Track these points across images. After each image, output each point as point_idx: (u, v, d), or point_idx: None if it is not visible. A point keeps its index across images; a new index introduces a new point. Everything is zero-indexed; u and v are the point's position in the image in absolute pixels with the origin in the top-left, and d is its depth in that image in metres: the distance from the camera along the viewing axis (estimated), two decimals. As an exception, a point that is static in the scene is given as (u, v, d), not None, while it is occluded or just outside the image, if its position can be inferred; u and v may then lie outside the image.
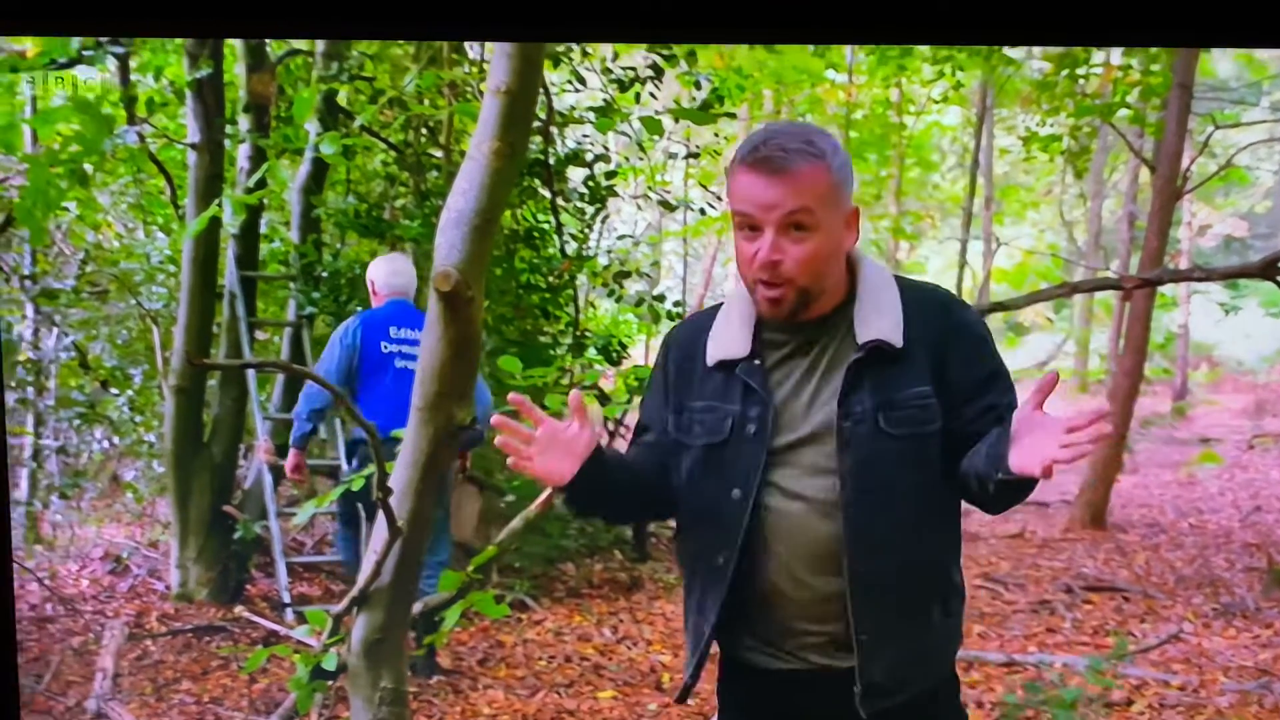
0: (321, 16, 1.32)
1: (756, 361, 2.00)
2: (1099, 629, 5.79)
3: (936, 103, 14.47)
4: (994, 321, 21.84)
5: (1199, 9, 1.32)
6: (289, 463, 5.21)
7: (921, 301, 1.99)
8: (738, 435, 1.98)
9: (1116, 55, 10.67)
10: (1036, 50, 12.92)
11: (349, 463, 5.05)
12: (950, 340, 1.97)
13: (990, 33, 1.38)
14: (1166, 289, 15.61)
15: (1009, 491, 1.83)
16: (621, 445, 4.73)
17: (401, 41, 6.75)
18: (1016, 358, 24.27)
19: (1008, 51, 11.13)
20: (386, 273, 5.15)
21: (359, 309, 5.60)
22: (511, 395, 1.94)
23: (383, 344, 4.96)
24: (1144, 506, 9.35)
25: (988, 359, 2.00)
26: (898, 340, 1.93)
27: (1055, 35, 1.57)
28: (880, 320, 1.94)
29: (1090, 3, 1.35)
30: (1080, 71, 10.30)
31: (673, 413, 2.09)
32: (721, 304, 2.13)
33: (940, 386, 1.94)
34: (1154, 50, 9.56)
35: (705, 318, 2.13)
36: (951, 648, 2.10)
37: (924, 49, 11.81)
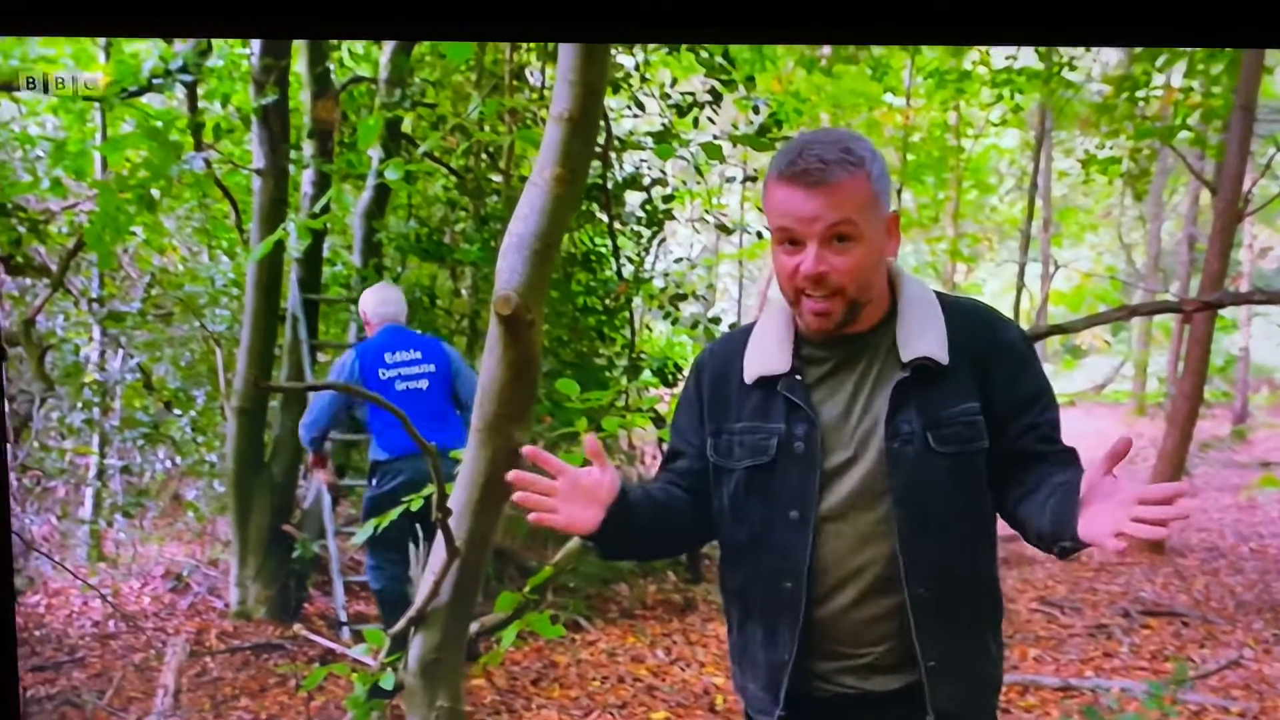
0: (360, 19, 1.35)
1: (798, 377, 1.96)
2: (1157, 654, 5.72)
3: (995, 125, 14.39)
4: (1051, 344, 21.69)
5: (1200, 8, 1.33)
6: (310, 460, 5.48)
7: (965, 318, 1.96)
8: (785, 455, 1.94)
9: (1177, 77, 10.58)
10: (1096, 72, 12.83)
11: (369, 481, 5.17)
12: (995, 357, 1.94)
13: (991, 33, 1.39)
14: (1227, 312, 15.40)
15: (1072, 552, 1.78)
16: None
17: (447, 58, 6.82)
18: (1074, 380, 23.99)
19: (1067, 74, 11.07)
20: (376, 302, 5.30)
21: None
22: (525, 448, 1.91)
23: (380, 371, 5.08)
24: (1203, 530, 9.21)
25: (1033, 376, 1.96)
26: (943, 357, 1.90)
27: (1055, 35, 1.58)
28: (924, 337, 1.92)
29: (1092, 2, 1.36)
30: (1140, 94, 10.22)
31: (710, 436, 2.04)
32: (754, 324, 2.09)
33: (985, 404, 1.91)
34: (1215, 72, 9.48)
35: (737, 338, 2.08)
36: (1001, 672, 2.08)
37: (983, 72, 11.78)
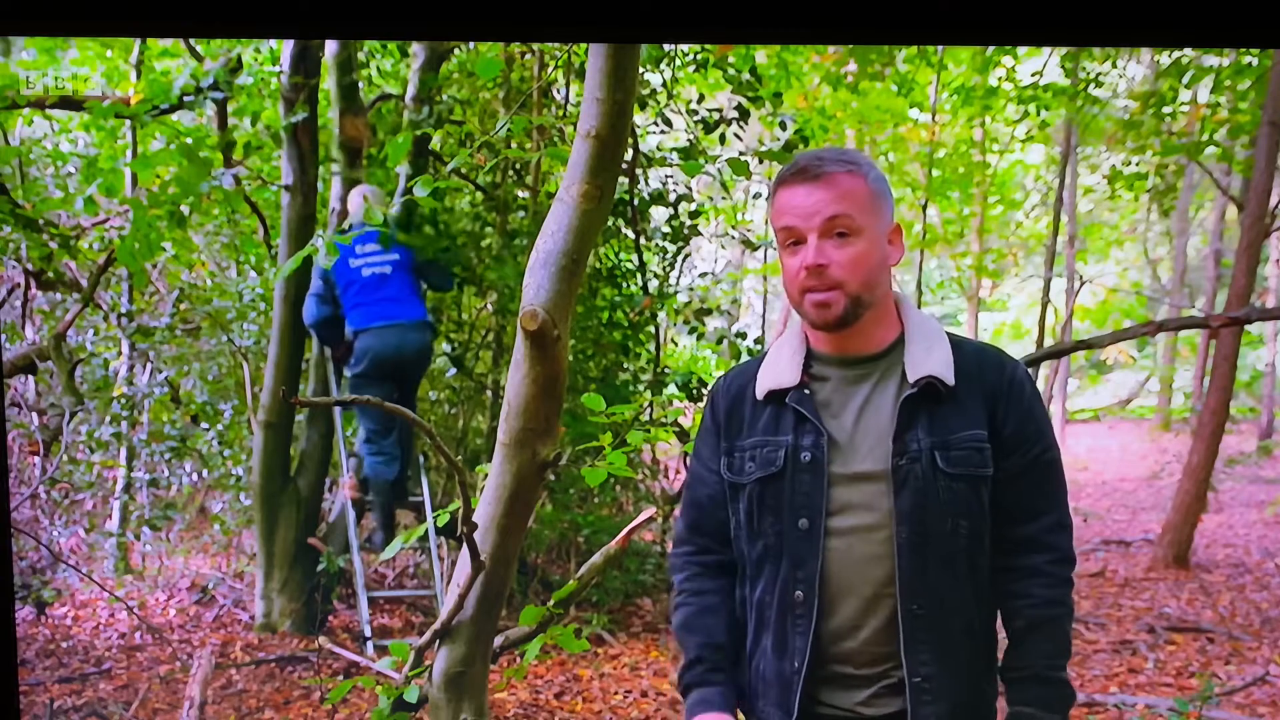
0: (379, 19, 1.36)
1: (806, 391, 1.98)
2: (1182, 670, 5.68)
3: (1020, 141, 14.37)
4: (1076, 359, 21.58)
5: (1204, 9, 1.33)
6: (334, 353, 6.31)
7: (975, 355, 1.99)
8: (794, 465, 1.95)
9: (1204, 93, 10.55)
10: (1122, 89, 12.80)
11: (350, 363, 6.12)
12: (1006, 394, 1.96)
13: (992, 33, 1.40)
14: (1253, 327, 15.31)
15: None
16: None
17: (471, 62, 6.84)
18: (1099, 395, 23.86)
19: (1093, 90, 11.05)
20: (356, 207, 6.10)
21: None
22: None
23: (350, 260, 5.99)
24: (1229, 546, 9.15)
25: (1038, 418, 1.98)
26: (949, 378, 1.92)
27: (1057, 35, 1.58)
28: (931, 359, 1.94)
29: (1093, 2, 1.36)
30: (1167, 110, 10.20)
31: (724, 456, 2.07)
32: (767, 352, 2.12)
33: (992, 437, 1.93)
34: (1243, 88, 9.45)
35: (750, 365, 2.12)
36: (994, 708, 2.04)
37: (1008, 88, 11.77)
